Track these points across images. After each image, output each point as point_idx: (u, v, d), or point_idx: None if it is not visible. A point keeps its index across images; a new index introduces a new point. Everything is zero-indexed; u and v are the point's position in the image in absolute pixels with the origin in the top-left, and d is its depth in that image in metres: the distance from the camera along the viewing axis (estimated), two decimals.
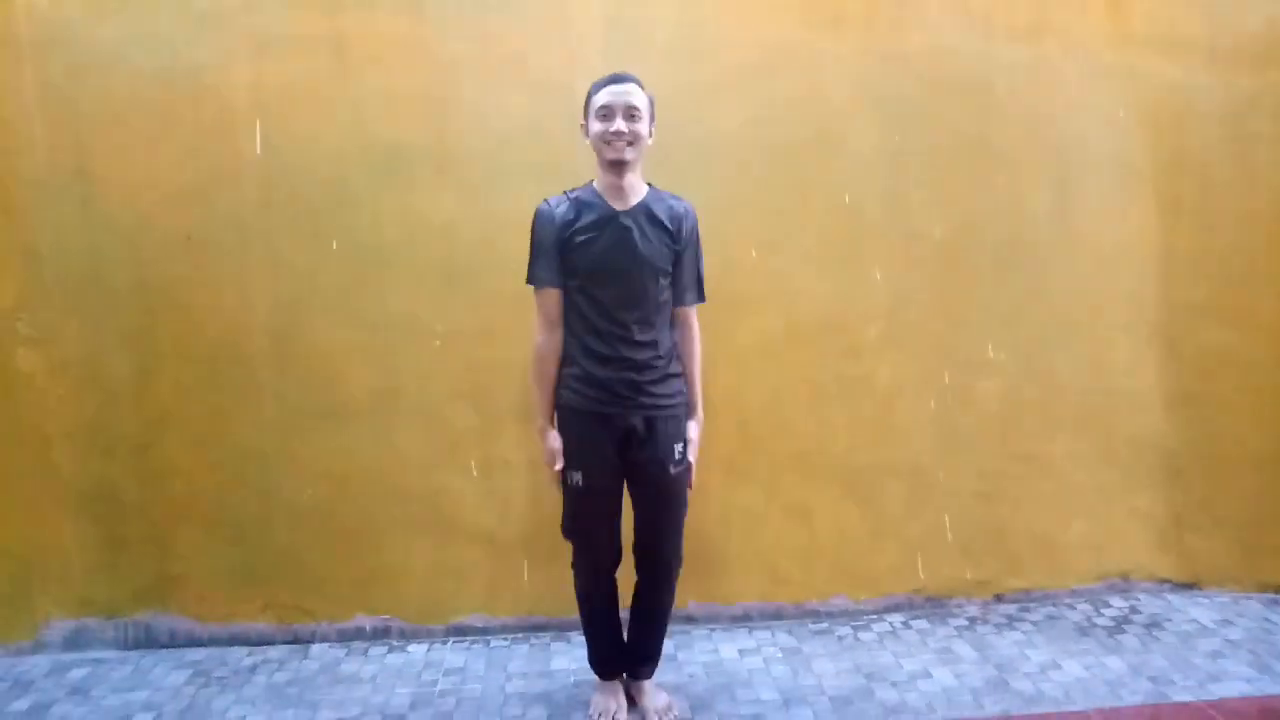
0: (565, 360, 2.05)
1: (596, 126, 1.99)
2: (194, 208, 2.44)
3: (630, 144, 1.97)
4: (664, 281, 2.03)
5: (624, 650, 2.21)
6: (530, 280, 2.03)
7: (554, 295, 2.03)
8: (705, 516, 2.58)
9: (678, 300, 2.09)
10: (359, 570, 2.53)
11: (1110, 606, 2.73)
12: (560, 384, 2.05)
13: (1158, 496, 2.83)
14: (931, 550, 2.74)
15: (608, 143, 1.96)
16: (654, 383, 2.02)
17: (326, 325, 2.48)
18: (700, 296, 2.13)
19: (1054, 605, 2.75)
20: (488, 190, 2.51)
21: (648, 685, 2.19)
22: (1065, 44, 2.73)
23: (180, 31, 2.42)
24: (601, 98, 1.98)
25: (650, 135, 2.04)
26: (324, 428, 2.49)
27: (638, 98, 1.99)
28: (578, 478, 2.03)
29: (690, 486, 2.10)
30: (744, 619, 2.66)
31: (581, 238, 1.98)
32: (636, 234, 1.99)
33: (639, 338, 2.00)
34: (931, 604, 2.73)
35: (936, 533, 2.74)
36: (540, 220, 2.03)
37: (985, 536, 2.76)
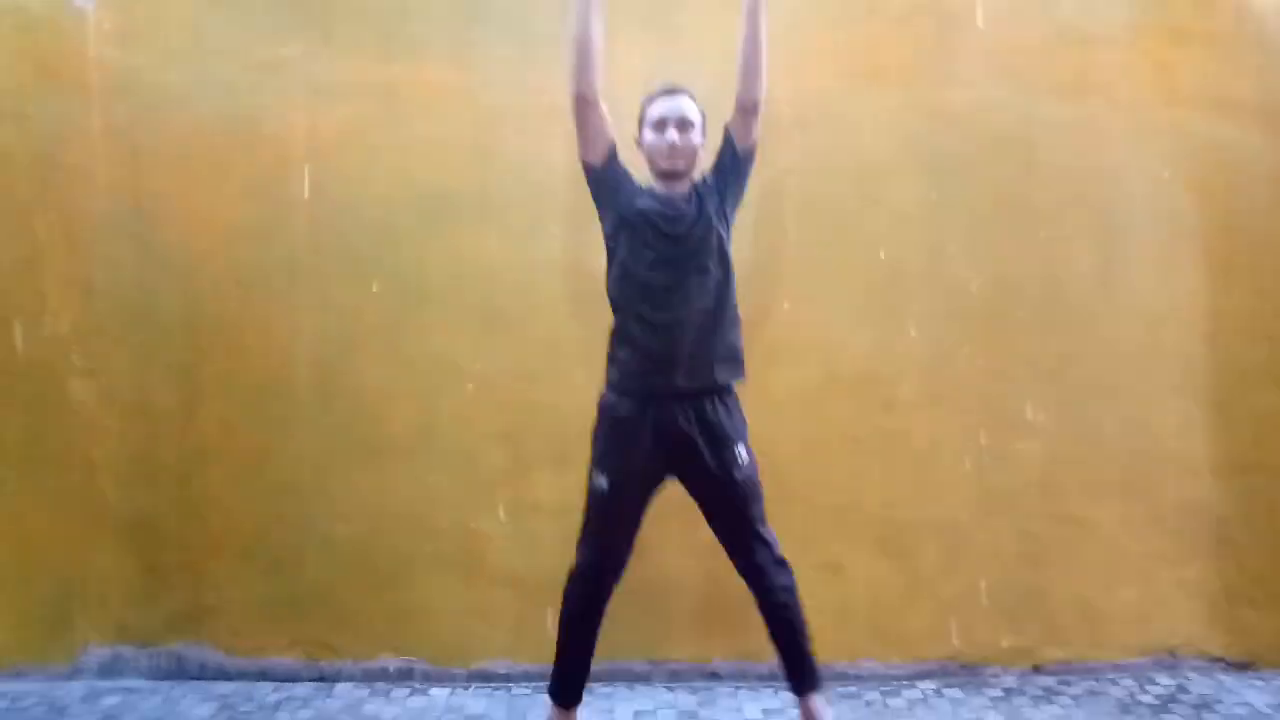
0: (612, 341, 2.02)
1: (651, 138, 2.05)
2: (245, 249, 2.52)
3: (682, 155, 2.03)
4: (726, 235, 2.04)
5: (585, 678, 2.10)
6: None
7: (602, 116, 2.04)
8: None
9: (739, 123, 2.08)
10: (387, 608, 2.54)
11: (1156, 684, 2.61)
12: (606, 373, 2.03)
13: (1208, 567, 2.71)
14: (967, 614, 2.65)
15: (663, 155, 2.03)
16: (709, 352, 1.97)
17: (368, 364, 2.53)
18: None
19: (1095, 679, 2.63)
20: (528, 237, 2.56)
21: (818, 701, 2.07)
22: (1110, 102, 2.70)
23: (241, 79, 2.52)
24: (656, 110, 2.05)
25: (702, 146, 2.09)
26: (361, 465, 2.53)
27: (691, 111, 2.05)
28: (603, 482, 1.99)
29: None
30: (771, 678, 2.59)
31: (642, 202, 2.02)
32: (694, 206, 2.02)
33: (697, 292, 1.97)
34: (966, 671, 2.64)
35: (972, 596, 2.66)
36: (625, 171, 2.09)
37: (1024, 602, 2.67)
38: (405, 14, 2.56)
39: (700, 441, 1.97)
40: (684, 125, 2.03)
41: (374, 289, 2.54)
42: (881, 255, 2.64)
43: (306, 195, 2.53)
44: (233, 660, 2.52)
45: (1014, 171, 2.68)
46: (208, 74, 2.51)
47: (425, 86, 2.55)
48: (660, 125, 2.03)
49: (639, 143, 2.09)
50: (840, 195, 2.63)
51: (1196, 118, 2.71)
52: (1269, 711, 2.45)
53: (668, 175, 2.03)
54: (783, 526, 2.59)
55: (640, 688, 2.56)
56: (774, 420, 2.58)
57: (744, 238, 2.50)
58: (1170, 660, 2.70)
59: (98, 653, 2.52)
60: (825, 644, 2.59)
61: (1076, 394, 2.69)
